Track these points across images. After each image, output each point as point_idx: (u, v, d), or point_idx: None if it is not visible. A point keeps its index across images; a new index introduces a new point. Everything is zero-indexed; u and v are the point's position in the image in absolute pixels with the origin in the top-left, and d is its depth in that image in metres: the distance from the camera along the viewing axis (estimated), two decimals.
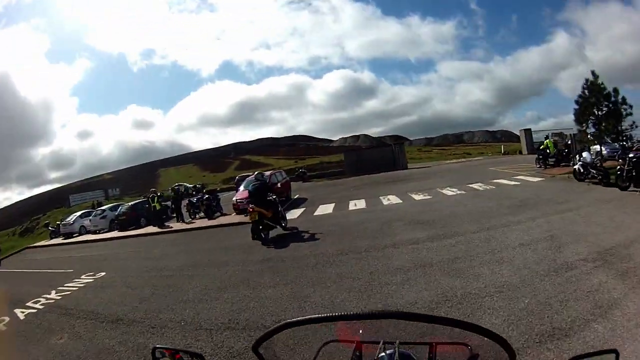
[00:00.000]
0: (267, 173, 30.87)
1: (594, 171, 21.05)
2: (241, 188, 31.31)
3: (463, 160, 67.83)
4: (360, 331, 2.01)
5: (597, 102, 28.98)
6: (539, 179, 26.55)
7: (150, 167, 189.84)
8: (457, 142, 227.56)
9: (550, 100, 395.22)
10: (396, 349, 1.84)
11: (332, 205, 25.87)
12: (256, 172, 20.84)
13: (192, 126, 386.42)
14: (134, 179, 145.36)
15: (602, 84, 29.02)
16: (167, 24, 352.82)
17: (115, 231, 34.79)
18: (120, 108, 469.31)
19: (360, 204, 24.73)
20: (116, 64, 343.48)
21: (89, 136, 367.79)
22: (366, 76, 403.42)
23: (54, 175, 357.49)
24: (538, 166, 32.96)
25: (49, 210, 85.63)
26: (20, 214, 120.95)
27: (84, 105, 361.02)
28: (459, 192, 24.34)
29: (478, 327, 1.52)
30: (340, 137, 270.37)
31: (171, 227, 29.47)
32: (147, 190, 38.49)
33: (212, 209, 31.04)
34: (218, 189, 54.54)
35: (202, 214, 31.47)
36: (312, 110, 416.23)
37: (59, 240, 39.79)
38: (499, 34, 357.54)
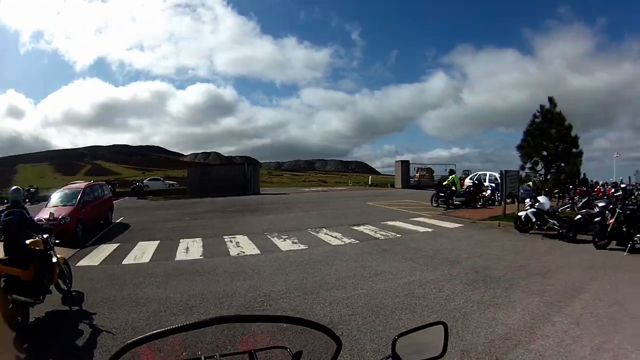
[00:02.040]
0: (81, 185, 24.39)
1: (554, 221, 17.43)
2: (52, 200, 22.77)
3: (323, 189, 60.60)
4: (180, 348, 2.04)
5: (550, 136, 26.07)
6: (455, 224, 21.19)
7: (10, 161, 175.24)
8: (308, 168, 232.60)
9: (411, 137, 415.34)
10: None
11: (155, 245, 17.88)
12: (13, 188, 11.13)
13: (57, 122, 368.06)
14: None
15: (560, 113, 26.06)
16: (63, 6, 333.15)
17: None
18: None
19: (194, 249, 16.75)
20: (10, 42, 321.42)
21: None
22: (228, 93, 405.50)
23: None
24: (435, 205, 28.46)
25: None
26: None
27: None
28: (346, 239, 17.30)
29: (303, 319, 1.61)
30: (192, 152, 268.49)
31: None
32: None
33: None
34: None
35: None
36: (169, 121, 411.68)
37: None
38: (373, 67, 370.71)
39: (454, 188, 28.02)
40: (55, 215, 19.29)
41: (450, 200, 27.52)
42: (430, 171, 58.53)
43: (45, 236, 10.57)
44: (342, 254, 14.35)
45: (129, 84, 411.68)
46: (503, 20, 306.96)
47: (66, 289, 10.96)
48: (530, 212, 18.15)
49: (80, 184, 24.47)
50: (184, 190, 49.34)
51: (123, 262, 15.13)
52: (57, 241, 11.66)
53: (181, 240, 18.10)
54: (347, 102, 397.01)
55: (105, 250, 17.47)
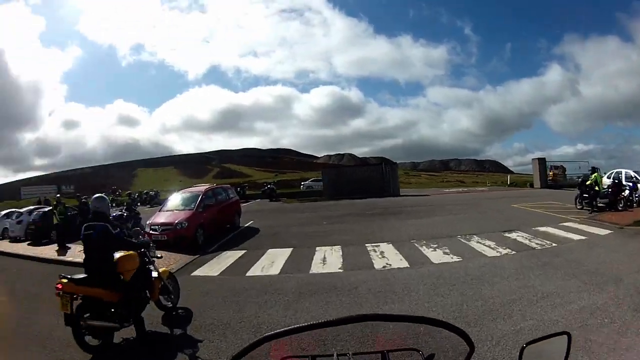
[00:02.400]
0: (201, 188, 23.98)
1: None
2: (168, 204, 22.57)
3: (464, 190, 57.82)
4: (314, 344, 2.15)
5: None
6: (604, 230, 18.71)
7: (129, 166, 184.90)
8: (443, 168, 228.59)
9: (538, 133, 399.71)
10: (350, 359, 1.87)
11: (287, 253, 16.47)
12: (96, 196, 9.59)
13: (176, 128, 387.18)
14: (108, 178, 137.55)
15: None
16: (158, 19, 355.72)
17: (24, 243, 25.37)
18: (107, 101, 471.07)
19: (332, 259, 15.11)
20: (106, 56, 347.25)
21: (75, 127, 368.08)
22: (354, 94, 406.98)
23: (39, 162, 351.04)
24: (580, 207, 25.88)
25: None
26: None
27: (72, 94, 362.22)
28: (501, 249, 15.30)
29: (439, 321, 1.61)
30: (325, 154, 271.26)
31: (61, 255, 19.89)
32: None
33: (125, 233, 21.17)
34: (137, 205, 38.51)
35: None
36: (297, 124, 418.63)
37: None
38: (491, 62, 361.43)
39: (597, 188, 25.41)
40: (170, 220, 19.34)
41: (594, 202, 25.16)
42: (562, 169, 55.40)
43: (142, 250, 9.21)
44: (500, 269, 12.54)
45: (249, 90, 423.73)
46: (597, 5, 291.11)
47: (169, 306, 10.03)
48: None
49: (201, 187, 24.00)
50: (319, 193, 48.68)
51: (247, 274, 13.82)
52: (159, 256, 10.37)
53: (317, 249, 16.78)
54: (472, 99, 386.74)
55: (228, 258, 16.50)
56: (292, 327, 1.58)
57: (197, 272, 14.47)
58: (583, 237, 17.25)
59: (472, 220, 22.90)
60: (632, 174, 28.97)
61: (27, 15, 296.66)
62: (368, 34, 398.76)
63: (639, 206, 24.51)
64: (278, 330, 1.58)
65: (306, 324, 1.56)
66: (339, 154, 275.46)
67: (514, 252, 14.79)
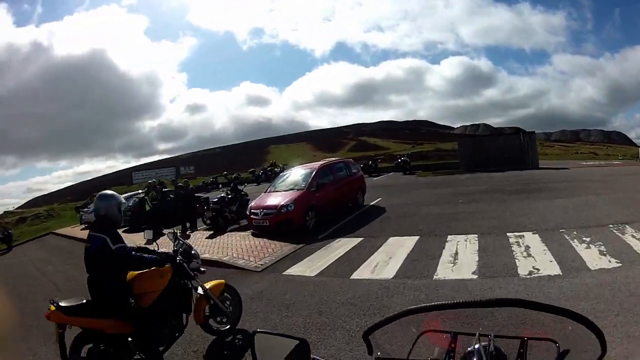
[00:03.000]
0: (315, 164, 22.25)
1: None
2: (276, 184, 21.69)
3: (600, 163, 52.33)
4: (458, 321, 2.12)
5: None
6: None
7: (261, 144, 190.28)
8: (574, 139, 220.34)
9: None
10: (491, 341, 1.88)
11: (411, 244, 14.53)
12: (100, 194, 7.07)
13: (309, 105, 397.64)
14: (239, 155, 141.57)
15: None
16: (273, 3, 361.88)
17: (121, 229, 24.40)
18: (232, 85, 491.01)
19: (466, 256, 12.77)
20: (224, 42, 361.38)
21: (200, 110, 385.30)
22: (483, 64, 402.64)
23: (163, 146, 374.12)
24: None
25: (110, 187, 77.54)
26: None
27: (193, 81, 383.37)
28: None
29: (583, 317, 1.65)
30: (461, 125, 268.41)
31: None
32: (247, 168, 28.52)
33: (227, 217, 21.96)
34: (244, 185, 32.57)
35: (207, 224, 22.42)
36: (431, 95, 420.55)
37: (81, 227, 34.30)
38: (605, 29, 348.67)
39: None
40: (275, 203, 18.43)
41: None
42: None
43: (178, 260, 7.26)
44: None
45: (379, 64, 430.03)
46: None
47: (223, 329, 8.18)
48: None
49: (315, 164, 22.34)
50: (456, 165, 46.62)
51: (353, 275, 11.62)
52: (202, 270, 7.96)
53: (449, 238, 14.68)
54: (593, 67, 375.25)
55: (338, 249, 14.67)
56: (437, 303, 1.73)
57: (291, 270, 12.89)
58: None
59: (620, 203, 20.31)
60: None
61: (124, 16, 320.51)
62: (488, 2, 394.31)
63: None
64: (422, 305, 1.75)
65: (451, 302, 1.69)
66: (474, 124, 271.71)
67: None
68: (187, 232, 21.82)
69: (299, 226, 17.69)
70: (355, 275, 11.66)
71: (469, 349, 1.89)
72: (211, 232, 20.90)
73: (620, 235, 14.56)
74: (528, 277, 10.71)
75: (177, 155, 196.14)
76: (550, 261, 12.04)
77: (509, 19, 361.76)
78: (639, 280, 10.07)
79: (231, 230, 20.78)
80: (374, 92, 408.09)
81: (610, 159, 64.37)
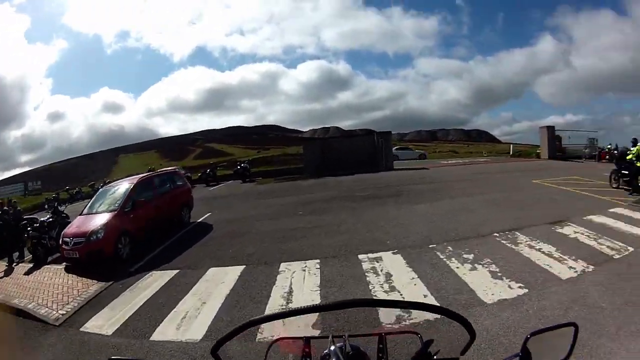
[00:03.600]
0: (134, 178, 18.47)
1: None
2: (90, 204, 17.44)
3: (464, 161, 51.09)
4: (310, 326, 2.71)
5: None
6: None
7: (110, 153, 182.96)
8: (431, 138, 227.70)
9: (527, 103, 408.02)
10: (346, 341, 1.81)
11: (234, 278, 10.91)
12: None
13: (162, 111, 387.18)
14: (88, 167, 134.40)
15: None
16: (144, 4, 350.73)
17: None
18: (92, 91, 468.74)
19: (305, 293, 9.41)
20: (91, 46, 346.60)
21: (61, 118, 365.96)
22: (341, 68, 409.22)
23: (25, 158, 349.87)
24: (615, 186, 21.29)
25: None
26: None
27: (58, 87, 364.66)
28: (571, 261, 10.02)
29: (440, 308, 1.64)
30: (310, 128, 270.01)
31: None
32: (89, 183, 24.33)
33: (47, 245, 17.06)
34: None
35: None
36: (284, 100, 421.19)
37: None
38: (482, 33, 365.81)
39: (639, 164, 20.52)
40: (83, 230, 14.97)
41: (634, 181, 20.38)
42: (559, 138, 50.64)
43: None
44: (596, 314, 7.14)
45: (235, 68, 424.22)
46: None
47: None
48: None
49: (134, 178, 18.63)
50: (301, 170, 42.19)
51: (154, 335, 8.55)
52: None
53: (282, 267, 11.18)
54: (462, 69, 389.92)
55: (147, 288, 11.39)
56: (278, 312, 1.60)
57: (89, 324, 9.57)
58: None
59: (498, 204, 17.58)
60: None
61: (11, 15, 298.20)
62: (358, 5, 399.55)
63: None
64: (264, 315, 1.63)
65: (293, 308, 1.58)
66: (324, 127, 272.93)
67: (591, 266, 9.66)
68: (13, 265, 17.14)
69: (111, 256, 14.51)
70: (157, 334, 8.54)
71: (325, 351, 1.82)
72: (32, 264, 16.55)
73: (513, 246, 11.25)
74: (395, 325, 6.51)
75: (37, 167, 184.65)
76: (425, 295, 8.20)
77: (376, 22, 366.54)
78: (559, 313, 7.21)
79: (51, 262, 16.35)
80: (226, 97, 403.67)
81: (473, 157, 63.73)
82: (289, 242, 13.54)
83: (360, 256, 11.17)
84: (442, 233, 13.03)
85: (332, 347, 1.78)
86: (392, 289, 8.90)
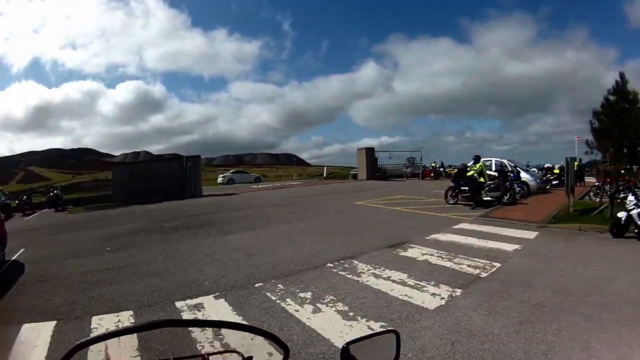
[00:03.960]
0: None
1: None
2: None
3: (275, 185, 50.01)
4: (135, 350, 2.61)
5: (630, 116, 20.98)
6: (524, 232, 15.18)
7: None
8: (238, 163, 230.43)
9: (341, 127, 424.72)
10: None
11: (47, 339, 7.62)
12: None
13: None
14: None
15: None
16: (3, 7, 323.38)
17: None
18: None
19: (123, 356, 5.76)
20: None
21: None
22: (157, 89, 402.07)
23: None
24: (452, 202, 22.32)
25: None
26: None
27: None
28: (428, 285, 9.06)
29: (250, 327, 1.67)
30: (122, 152, 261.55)
31: None
32: None
33: None
34: None
35: None
36: (100, 121, 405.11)
37: None
38: (303, 58, 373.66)
39: (482, 179, 22.27)
40: None
41: (477, 196, 21.63)
42: (412, 162, 53.51)
43: None
44: (493, 342, 6.09)
45: (61, 85, 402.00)
46: (440, 9, 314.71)
47: None
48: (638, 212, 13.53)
49: None
50: (108, 197, 38.45)
51: None
52: None
53: (94, 322, 8.45)
54: (275, 94, 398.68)
55: None
56: (101, 334, 1.53)
57: None
58: (517, 246, 12.78)
59: (322, 230, 16.39)
60: (506, 162, 27.68)
61: None
62: (185, 26, 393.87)
63: (522, 198, 23.62)
64: (88, 338, 1.53)
65: (115, 329, 1.51)
66: (135, 151, 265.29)
67: (458, 289, 8.66)
68: None
69: None
70: None
71: None
72: None
73: (355, 277, 9.78)
74: None
75: None
76: (270, 354, 5.66)
77: (199, 45, 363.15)
78: (449, 351, 5.91)
79: None
80: (49, 116, 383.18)
81: (284, 180, 63.30)
82: (99, 288, 10.67)
83: (179, 304, 9.03)
84: (266, 268, 11.32)
85: None
86: (226, 346, 6.66)
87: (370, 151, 48.66)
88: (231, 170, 64.43)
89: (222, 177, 60.87)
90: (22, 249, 17.51)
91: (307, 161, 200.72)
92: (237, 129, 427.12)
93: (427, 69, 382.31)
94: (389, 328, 2.13)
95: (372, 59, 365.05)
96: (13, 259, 15.96)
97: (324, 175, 61.14)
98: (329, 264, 11.03)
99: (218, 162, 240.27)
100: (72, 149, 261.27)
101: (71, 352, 1.53)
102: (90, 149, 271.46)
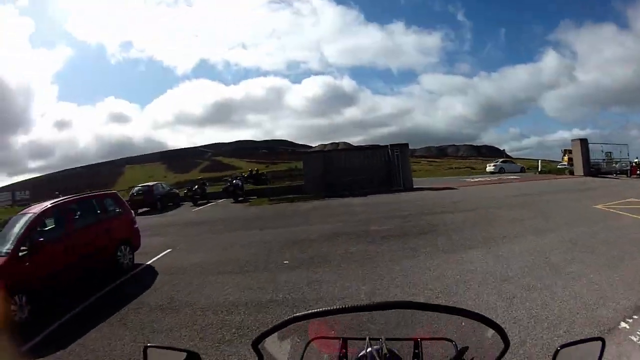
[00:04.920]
0: (35, 208, 12.31)
1: None
2: None
3: (492, 179, 42.18)
4: (346, 327, 2.05)
5: None
6: None
7: (118, 164, 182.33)
8: (440, 155, 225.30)
9: (534, 119, 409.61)
10: (383, 344, 1.80)
11: None
12: None
13: (168, 123, 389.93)
14: (94, 177, 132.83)
15: None
16: (145, 15, 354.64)
17: None
18: (98, 99, 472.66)
19: None
20: (95, 55, 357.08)
21: (67, 126, 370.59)
22: (346, 83, 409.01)
23: (33, 164, 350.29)
24: None
25: None
26: None
27: (64, 94, 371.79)
28: None
29: (477, 314, 1.57)
30: (320, 143, 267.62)
31: None
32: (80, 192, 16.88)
33: None
34: None
35: None
36: (291, 114, 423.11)
37: None
38: (485, 49, 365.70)
39: None
40: None
41: None
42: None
43: None
44: None
45: (240, 82, 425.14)
46: None
47: None
48: None
49: (36, 207, 12.43)
50: (301, 189, 35.25)
51: None
52: None
53: None
54: (466, 85, 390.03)
55: None
56: (321, 309, 1.57)
57: None
58: None
59: (587, 247, 11.58)
60: None
61: (15, 17, 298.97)
62: (359, 22, 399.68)
63: None
64: (307, 312, 1.59)
65: (336, 307, 1.55)
66: (334, 142, 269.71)
67: None
68: None
69: None
70: None
71: (361, 353, 1.78)
72: None
73: None
74: None
75: (46, 173, 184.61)
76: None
77: (379, 39, 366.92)
78: None
79: None
80: (232, 111, 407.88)
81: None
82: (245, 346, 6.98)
83: None
84: (539, 315, 7.14)
85: (369, 349, 1.76)
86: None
87: (584, 143, 41.71)
88: (500, 160, 62.12)
89: (493, 166, 57.62)
90: (168, 250, 15.26)
91: (508, 153, 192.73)
92: (434, 120, 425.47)
93: (600, 58, 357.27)
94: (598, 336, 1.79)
95: (551, 48, 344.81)
96: (148, 263, 13.90)
97: (539, 169, 54.82)
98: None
99: (420, 154, 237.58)
100: (265, 140, 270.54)
101: (288, 322, 1.60)
102: (285, 140, 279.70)
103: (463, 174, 62.28)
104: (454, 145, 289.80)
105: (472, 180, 42.38)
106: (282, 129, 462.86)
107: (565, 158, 48.42)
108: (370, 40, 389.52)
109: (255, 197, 34.05)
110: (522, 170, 56.04)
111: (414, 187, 32.67)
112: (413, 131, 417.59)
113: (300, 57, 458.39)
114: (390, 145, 36.34)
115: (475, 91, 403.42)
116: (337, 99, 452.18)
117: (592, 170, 41.30)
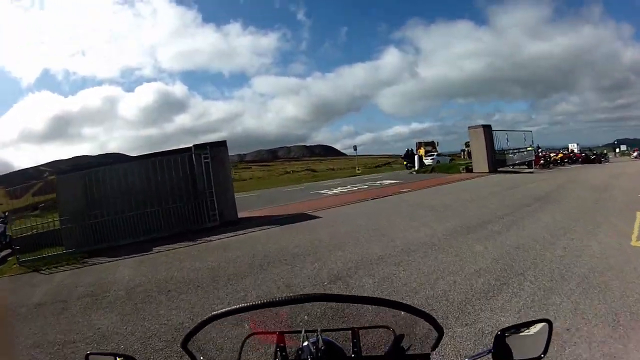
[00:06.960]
0: None
1: None
2: None
3: (354, 188, 31.41)
4: (281, 321, 2.06)
5: None
6: None
7: None
8: (272, 158, 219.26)
9: (369, 116, 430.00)
10: (319, 336, 1.82)
11: None
12: None
13: (13, 142, 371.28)
14: None
15: None
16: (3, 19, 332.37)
17: None
18: None
19: None
20: None
21: None
22: (178, 89, 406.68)
23: None
24: None
25: None
26: None
27: None
28: None
29: (405, 305, 1.62)
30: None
31: None
32: None
33: None
34: None
35: None
36: (123, 125, 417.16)
37: None
38: (323, 48, 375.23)
39: None
40: None
41: None
42: (433, 145, 55.27)
43: None
44: None
45: (77, 93, 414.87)
46: None
47: None
48: None
49: None
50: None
51: None
52: None
53: None
54: (300, 86, 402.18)
55: None
56: (241, 305, 1.57)
57: None
58: None
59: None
60: None
61: None
62: (196, 23, 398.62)
63: None
64: (226, 309, 1.58)
65: (256, 302, 1.55)
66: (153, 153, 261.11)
67: None
68: None
69: None
70: None
71: (299, 346, 1.83)
72: None
73: None
74: None
75: None
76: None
77: (213, 41, 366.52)
78: None
79: None
80: (69, 124, 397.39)
81: (341, 175, 50.12)
82: None
83: None
84: None
85: (305, 343, 1.80)
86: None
87: (487, 129, 33.15)
88: (436, 153, 58.59)
89: (432, 159, 54.68)
90: None
91: (343, 152, 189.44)
92: (266, 123, 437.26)
93: (449, 53, 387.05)
94: (542, 317, 1.62)
95: (393, 46, 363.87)
96: None
97: (415, 167, 45.41)
98: None
99: (250, 158, 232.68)
100: (99, 154, 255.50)
101: (207, 321, 1.57)
102: (119, 153, 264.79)
103: (306, 179, 52.07)
104: (285, 147, 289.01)
105: (329, 192, 29.67)
106: (115, 141, 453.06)
107: (421, 150, 50.48)
108: (204, 43, 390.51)
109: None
110: (451, 160, 55.20)
111: (239, 217, 18.79)
112: (243, 135, 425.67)
113: (135, 63, 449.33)
114: (195, 146, 19.05)
115: (308, 91, 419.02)
116: (169, 106, 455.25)
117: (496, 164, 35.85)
